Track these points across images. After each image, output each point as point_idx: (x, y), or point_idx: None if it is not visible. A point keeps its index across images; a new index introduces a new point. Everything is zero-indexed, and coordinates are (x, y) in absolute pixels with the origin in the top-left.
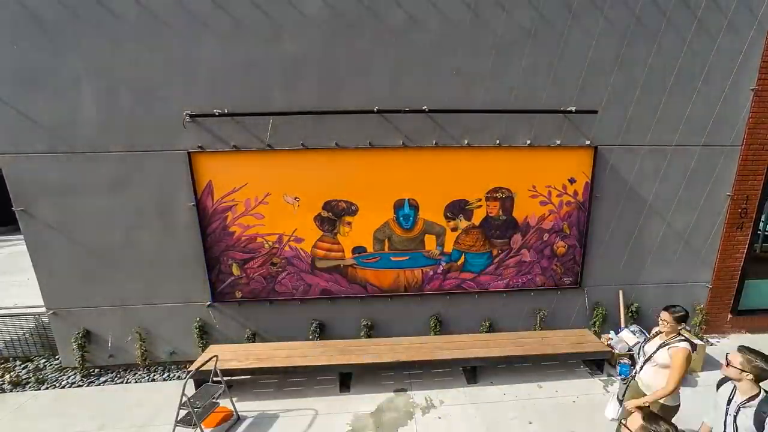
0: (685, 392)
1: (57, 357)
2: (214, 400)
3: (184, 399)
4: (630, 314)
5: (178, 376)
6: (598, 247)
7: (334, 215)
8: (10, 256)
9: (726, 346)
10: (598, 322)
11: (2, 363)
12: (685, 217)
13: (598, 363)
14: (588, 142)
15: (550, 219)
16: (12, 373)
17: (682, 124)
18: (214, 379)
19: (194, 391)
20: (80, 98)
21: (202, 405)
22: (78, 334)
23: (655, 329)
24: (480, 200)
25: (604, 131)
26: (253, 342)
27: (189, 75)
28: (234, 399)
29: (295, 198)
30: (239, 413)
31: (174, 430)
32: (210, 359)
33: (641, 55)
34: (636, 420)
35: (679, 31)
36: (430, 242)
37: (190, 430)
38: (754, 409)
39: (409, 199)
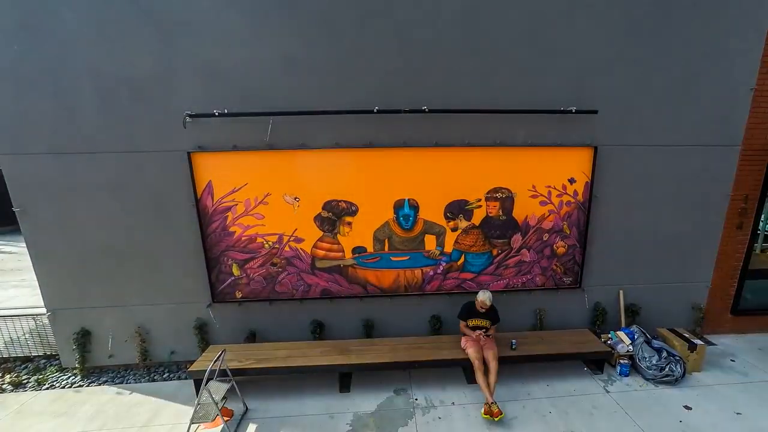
0: (687, 393)
1: (57, 357)
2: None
3: (206, 394)
4: (630, 314)
5: (178, 376)
6: (598, 247)
7: (334, 215)
8: (10, 255)
9: (726, 346)
10: (598, 322)
11: (2, 363)
12: (684, 217)
13: (598, 363)
14: (588, 142)
15: (550, 219)
16: (12, 374)
17: (681, 123)
18: (218, 378)
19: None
20: (80, 98)
21: (219, 399)
22: (78, 334)
23: None
24: (480, 200)
25: (604, 131)
26: (253, 342)
27: (189, 74)
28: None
29: (295, 198)
30: (247, 405)
31: (190, 428)
32: (220, 355)
33: (642, 54)
34: None
35: (679, 30)
36: (430, 242)
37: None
38: None
39: (409, 199)
